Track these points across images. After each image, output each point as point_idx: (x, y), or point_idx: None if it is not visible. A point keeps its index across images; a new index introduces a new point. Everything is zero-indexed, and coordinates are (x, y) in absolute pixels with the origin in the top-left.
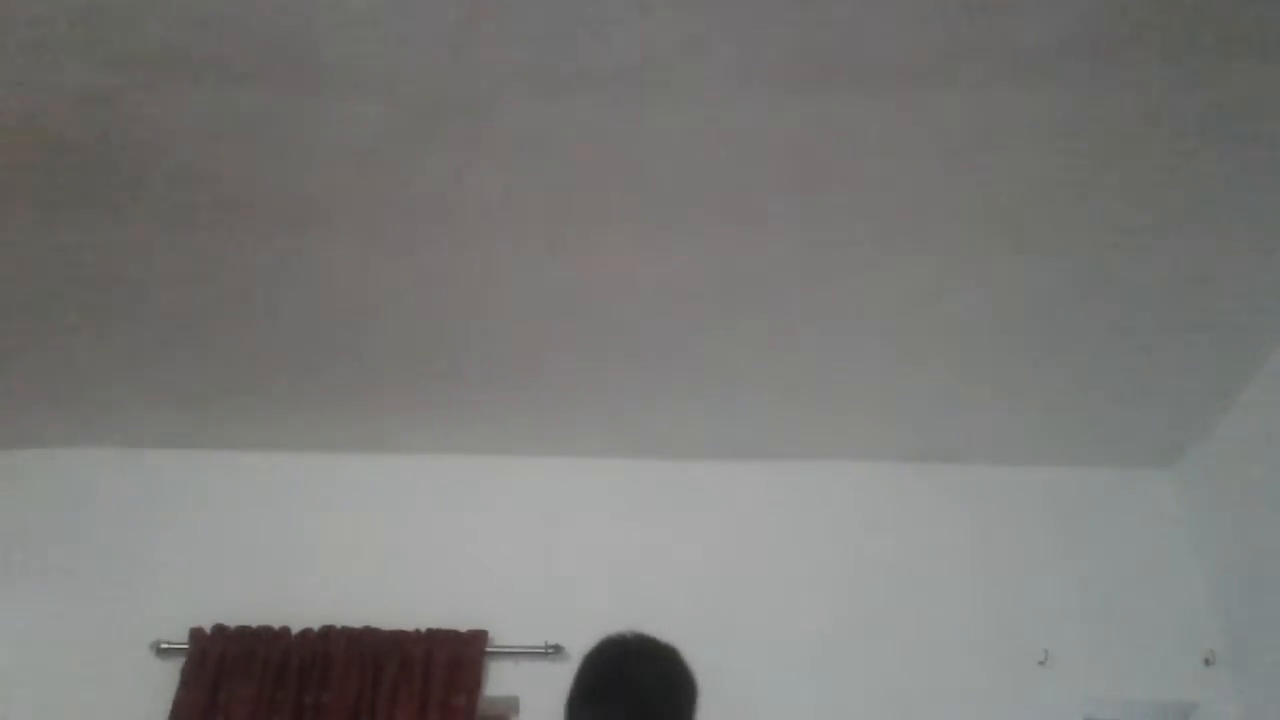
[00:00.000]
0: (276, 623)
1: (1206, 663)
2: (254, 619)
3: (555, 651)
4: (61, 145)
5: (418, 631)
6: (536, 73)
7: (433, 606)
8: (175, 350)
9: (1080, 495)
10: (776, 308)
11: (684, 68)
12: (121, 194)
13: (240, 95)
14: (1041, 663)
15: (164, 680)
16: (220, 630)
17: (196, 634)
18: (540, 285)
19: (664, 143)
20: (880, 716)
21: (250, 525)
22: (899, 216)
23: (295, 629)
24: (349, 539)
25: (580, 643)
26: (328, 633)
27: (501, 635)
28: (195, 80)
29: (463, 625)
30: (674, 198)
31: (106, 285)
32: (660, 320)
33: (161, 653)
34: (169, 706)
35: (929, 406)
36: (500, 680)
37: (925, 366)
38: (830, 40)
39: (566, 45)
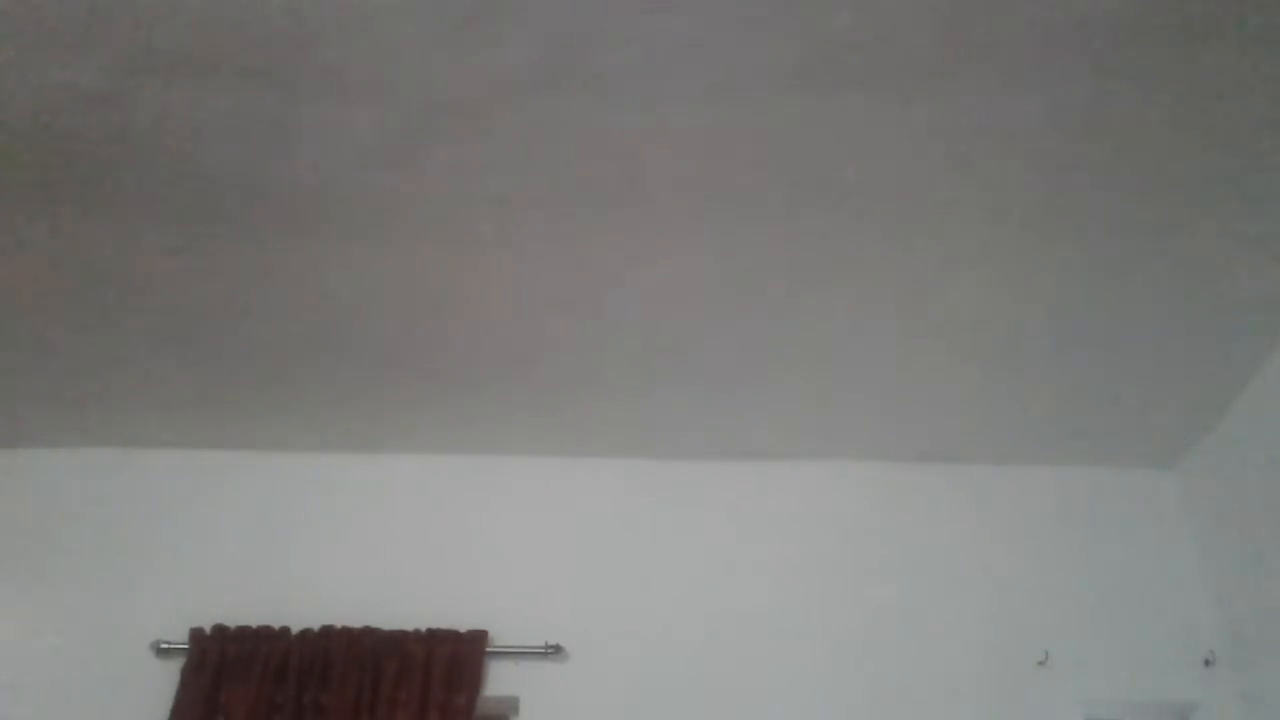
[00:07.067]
0: (276, 623)
1: (1206, 663)
2: (254, 619)
3: (555, 651)
4: (63, 145)
5: (418, 631)
6: (536, 73)
7: (433, 606)
8: (175, 350)
9: (1080, 495)
10: (776, 308)
11: (684, 68)
12: (122, 194)
13: (241, 96)
14: (1041, 663)
15: (164, 680)
16: (220, 630)
17: (196, 634)
18: (539, 285)
19: (664, 143)
20: (880, 716)
21: (250, 525)
22: (899, 217)
23: (295, 629)
24: (349, 539)
25: (580, 643)
26: (328, 633)
27: (501, 635)
28: (197, 81)
29: (463, 625)
30: (674, 198)
31: (106, 285)
32: (660, 320)
33: (161, 653)
34: (169, 706)
35: (930, 406)
36: (500, 680)
37: (926, 366)
38: (830, 40)
39: (567, 45)
